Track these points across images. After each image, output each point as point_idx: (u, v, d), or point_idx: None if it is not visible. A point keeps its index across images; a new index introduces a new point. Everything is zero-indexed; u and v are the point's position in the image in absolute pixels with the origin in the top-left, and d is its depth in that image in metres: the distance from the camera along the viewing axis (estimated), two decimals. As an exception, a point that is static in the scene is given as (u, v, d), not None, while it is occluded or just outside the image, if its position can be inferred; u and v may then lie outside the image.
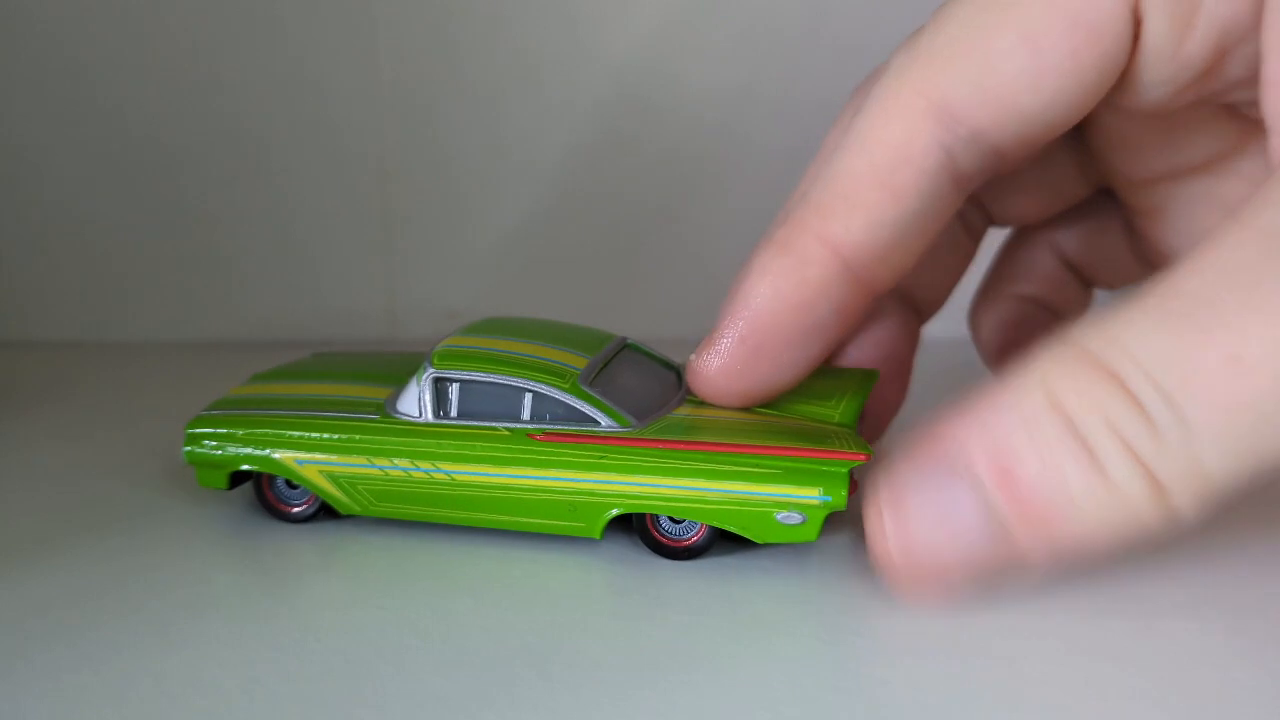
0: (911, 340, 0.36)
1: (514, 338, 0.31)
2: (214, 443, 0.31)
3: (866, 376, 0.32)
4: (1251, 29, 0.27)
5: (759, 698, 0.23)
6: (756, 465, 0.28)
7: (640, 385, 0.31)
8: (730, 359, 0.30)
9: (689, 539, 0.29)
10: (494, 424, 0.29)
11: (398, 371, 0.33)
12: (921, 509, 0.25)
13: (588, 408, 0.29)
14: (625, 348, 0.32)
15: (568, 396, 0.29)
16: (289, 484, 0.31)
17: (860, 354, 0.34)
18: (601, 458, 0.29)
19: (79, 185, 0.49)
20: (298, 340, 0.50)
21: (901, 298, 0.35)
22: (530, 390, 0.29)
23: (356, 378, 0.33)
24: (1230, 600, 0.27)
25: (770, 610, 0.27)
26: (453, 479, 0.29)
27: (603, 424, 0.29)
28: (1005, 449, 0.24)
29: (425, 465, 0.29)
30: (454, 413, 0.30)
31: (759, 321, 0.29)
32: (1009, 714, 0.23)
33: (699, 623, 0.26)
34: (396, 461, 0.30)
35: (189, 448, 0.31)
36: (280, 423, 0.31)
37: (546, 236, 0.49)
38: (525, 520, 0.29)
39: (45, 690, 0.24)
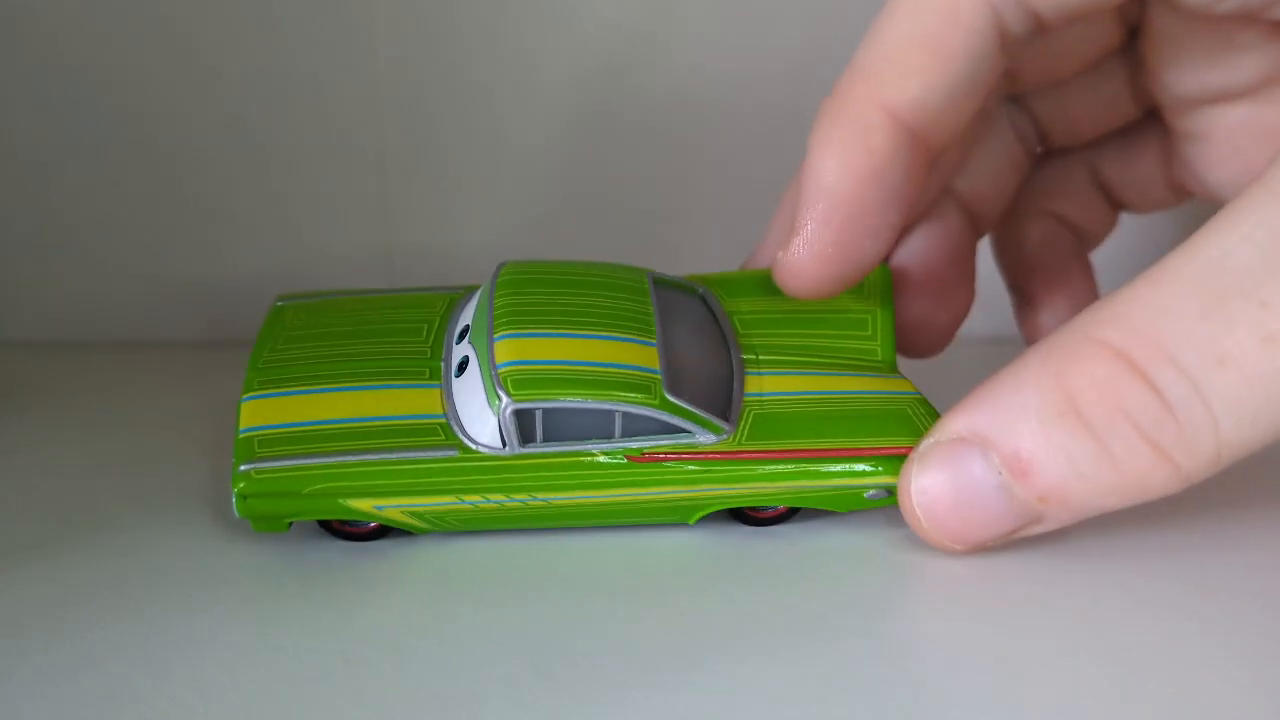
0: (971, 245, 0.36)
1: (564, 326, 0.30)
2: (274, 500, 0.29)
3: (883, 282, 0.33)
4: None
5: (759, 698, 0.23)
6: (850, 463, 0.29)
7: (699, 352, 0.31)
8: (820, 244, 0.29)
9: (775, 511, 0.31)
10: (586, 446, 0.29)
11: (402, 341, 0.31)
12: (946, 488, 0.27)
13: (678, 420, 0.29)
14: (658, 289, 0.32)
15: (658, 412, 0.29)
16: None
17: (927, 254, 0.34)
18: (705, 472, 0.29)
19: (77, 183, 0.49)
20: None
21: (962, 205, 0.35)
22: (620, 411, 0.28)
23: (374, 371, 0.31)
24: (1229, 600, 0.27)
25: (770, 610, 0.27)
26: (550, 504, 0.29)
27: (697, 436, 0.29)
28: (1016, 439, 0.26)
29: (521, 496, 0.29)
30: (540, 438, 0.29)
31: (836, 199, 0.29)
32: (1009, 714, 0.23)
33: (699, 623, 0.26)
34: (490, 496, 0.29)
35: (243, 506, 0.29)
36: (348, 470, 0.29)
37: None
38: (622, 521, 0.30)
39: (45, 690, 0.24)
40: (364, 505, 0.29)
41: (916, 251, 0.35)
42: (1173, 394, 0.24)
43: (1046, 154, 0.38)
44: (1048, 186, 0.37)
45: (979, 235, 0.36)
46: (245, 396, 0.30)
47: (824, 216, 0.29)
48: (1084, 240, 0.38)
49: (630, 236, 0.48)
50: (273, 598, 0.28)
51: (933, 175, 0.34)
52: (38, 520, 0.32)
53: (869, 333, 0.32)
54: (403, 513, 0.29)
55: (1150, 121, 0.35)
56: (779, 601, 0.27)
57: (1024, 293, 0.37)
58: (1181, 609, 0.26)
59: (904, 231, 0.35)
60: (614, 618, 0.26)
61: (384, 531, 0.30)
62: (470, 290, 0.33)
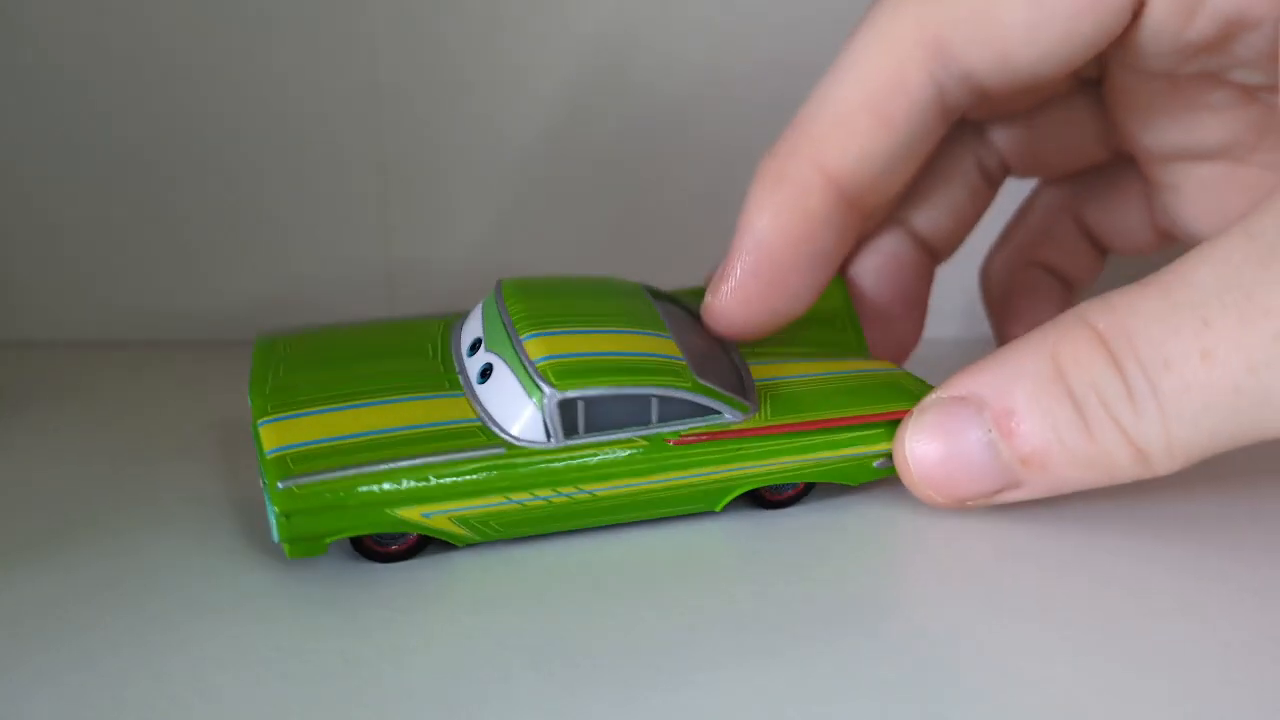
0: (926, 279, 0.37)
1: (584, 324, 0.30)
2: (319, 516, 0.28)
3: (839, 287, 0.35)
4: (1262, 19, 0.27)
5: (760, 697, 0.23)
6: (866, 429, 0.31)
7: (705, 345, 0.32)
8: (746, 294, 0.31)
9: (792, 492, 0.32)
10: (627, 434, 0.29)
11: (409, 360, 0.31)
12: (939, 442, 0.29)
13: (709, 400, 0.30)
14: (657, 299, 0.33)
15: (691, 394, 0.29)
16: None
17: (878, 290, 0.36)
18: (738, 450, 0.30)
19: (74, 184, 0.49)
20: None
21: (917, 239, 0.36)
22: (657, 395, 0.29)
23: (390, 387, 0.30)
24: (1230, 600, 0.27)
25: (770, 610, 0.27)
26: (595, 496, 0.29)
27: (725, 415, 0.30)
28: (1010, 399, 0.28)
29: (567, 490, 0.29)
30: (582, 429, 0.29)
31: (767, 255, 0.31)
32: (1009, 713, 0.23)
33: (699, 622, 0.26)
34: (537, 493, 0.29)
35: (285, 526, 0.27)
36: (398, 476, 0.28)
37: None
38: (656, 512, 0.30)
39: (45, 690, 0.24)
40: (412, 514, 0.28)
41: (868, 286, 0.36)
42: (1134, 383, 0.26)
43: (1030, 201, 0.39)
44: (1032, 234, 0.38)
45: (937, 263, 0.37)
46: (260, 421, 0.29)
47: (754, 269, 0.31)
48: (1069, 286, 0.39)
49: (632, 250, 0.49)
50: (273, 597, 0.28)
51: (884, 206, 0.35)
52: (38, 520, 0.32)
53: (840, 325, 0.34)
54: (450, 519, 0.29)
55: (1130, 167, 0.36)
56: (780, 600, 0.27)
57: (1008, 338, 0.37)
58: (1182, 608, 0.27)
59: (853, 261, 0.36)
60: (614, 617, 0.26)
61: (417, 550, 0.30)
62: (462, 316, 0.33)
